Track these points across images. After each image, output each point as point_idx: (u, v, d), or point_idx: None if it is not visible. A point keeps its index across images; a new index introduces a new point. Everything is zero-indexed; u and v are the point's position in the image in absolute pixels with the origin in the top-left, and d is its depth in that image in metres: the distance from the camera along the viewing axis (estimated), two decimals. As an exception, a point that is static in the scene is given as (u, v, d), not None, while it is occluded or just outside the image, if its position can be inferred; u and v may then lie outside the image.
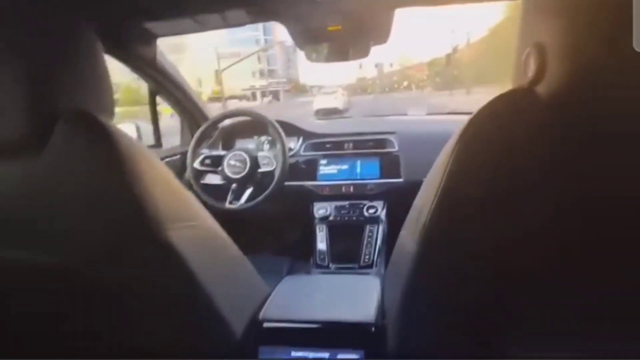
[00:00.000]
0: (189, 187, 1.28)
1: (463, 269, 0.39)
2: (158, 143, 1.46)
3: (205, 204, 1.24)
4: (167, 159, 1.38)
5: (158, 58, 1.13)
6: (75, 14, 0.51)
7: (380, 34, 1.09)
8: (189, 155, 1.30)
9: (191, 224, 0.55)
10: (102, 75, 0.53)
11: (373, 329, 0.64)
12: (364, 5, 0.88)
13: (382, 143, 1.41)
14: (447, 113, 1.80)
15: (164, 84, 1.25)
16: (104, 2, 0.77)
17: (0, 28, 0.42)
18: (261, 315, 0.70)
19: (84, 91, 0.51)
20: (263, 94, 43.21)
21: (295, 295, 0.79)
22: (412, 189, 1.33)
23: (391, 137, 1.40)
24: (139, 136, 1.40)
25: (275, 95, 43.54)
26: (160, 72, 1.18)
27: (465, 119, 1.22)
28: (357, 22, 0.99)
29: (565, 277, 0.36)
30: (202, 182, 1.34)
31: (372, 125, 1.53)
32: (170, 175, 0.56)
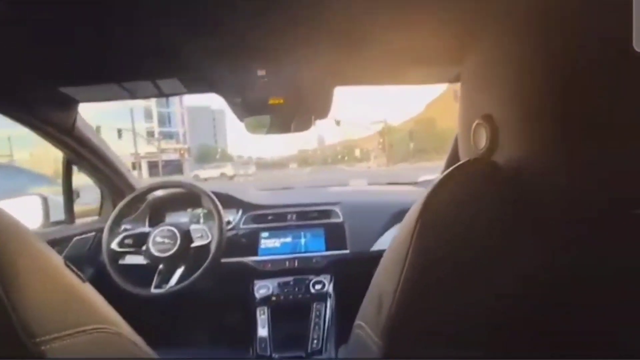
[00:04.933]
0: (101, 271, 1.08)
1: (435, 356, 0.34)
2: (70, 218, 1.25)
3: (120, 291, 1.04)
4: (78, 237, 1.17)
5: (77, 124, 1.01)
6: None
7: (322, 109, 1.12)
8: (105, 233, 1.11)
9: (83, 330, 0.42)
10: None
11: None
12: (305, 82, 0.90)
13: (326, 213, 1.37)
14: (387, 183, 1.87)
15: (82, 152, 1.10)
16: (12, 65, 0.68)
17: None
18: None
19: None
20: (152, 164, 27.86)
21: None
22: (359, 260, 1.28)
23: (335, 208, 1.38)
24: (46, 211, 1.19)
25: (173, 165, 29.49)
26: (78, 140, 1.05)
27: (406, 189, 1.24)
28: (299, 97, 1.00)
29: (542, 349, 0.33)
30: (121, 262, 1.14)
31: (315, 196, 1.51)
32: (58, 265, 0.44)
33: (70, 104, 0.94)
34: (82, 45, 0.65)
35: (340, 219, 1.34)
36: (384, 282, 0.38)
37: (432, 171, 1.67)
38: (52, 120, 0.94)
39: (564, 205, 0.31)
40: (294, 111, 1.11)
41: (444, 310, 0.33)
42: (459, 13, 0.55)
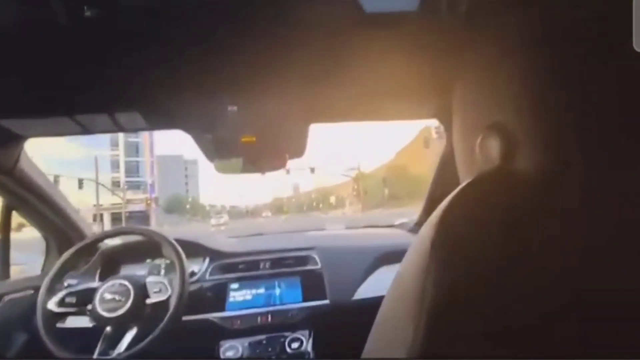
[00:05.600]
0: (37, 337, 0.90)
1: None
2: (4, 274, 1.07)
3: None
4: (11, 296, 1.00)
5: (21, 165, 0.89)
6: None
7: (297, 147, 1.08)
8: (42, 289, 0.94)
9: None
10: None
11: None
12: (279, 118, 0.86)
13: (303, 260, 1.27)
14: (364, 226, 1.82)
15: (26, 197, 0.97)
16: None
17: None
18: None
19: None
20: (115, 216, 24.62)
21: None
22: (340, 311, 1.17)
23: (312, 253, 1.28)
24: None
25: (139, 216, 25.74)
26: (20, 181, 0.92)
27: (385, 232, 1.18)
28: (272, 134, 0.96)
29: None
30: (60, 326, 0.97)
31: (289, 242, 1.41)
32: None
33: (12, 140, 0.84)
34: (26, 72, 0.58)
35: (318, 266, 1.24)
36: (395, 324, 0.31)
37: (409, 215, 1.65)
38: None
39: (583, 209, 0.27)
40: (267, 150, 1.06)
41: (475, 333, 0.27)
42: (439, 47, 0.55)
